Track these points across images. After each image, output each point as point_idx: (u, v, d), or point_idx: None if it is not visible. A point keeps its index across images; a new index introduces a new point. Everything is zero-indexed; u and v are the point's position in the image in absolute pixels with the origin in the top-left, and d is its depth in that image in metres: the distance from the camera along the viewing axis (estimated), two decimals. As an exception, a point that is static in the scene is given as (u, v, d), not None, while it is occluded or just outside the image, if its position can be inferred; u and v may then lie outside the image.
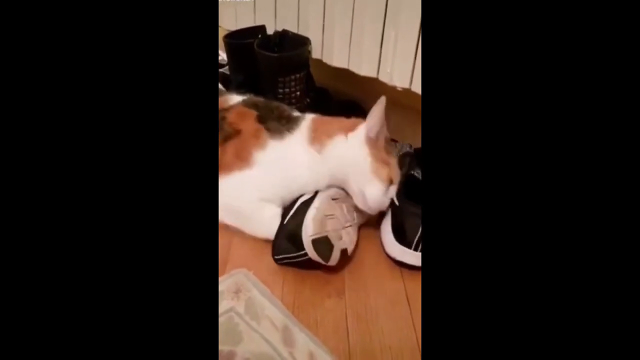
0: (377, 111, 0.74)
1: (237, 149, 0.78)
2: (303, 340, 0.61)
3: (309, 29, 1.07)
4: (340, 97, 1.18)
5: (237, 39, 1.05)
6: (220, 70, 1.16)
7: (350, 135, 0.76)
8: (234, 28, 1.26)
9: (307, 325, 0.63)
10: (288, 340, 0.60)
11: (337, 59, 1.03)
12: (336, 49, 1.03)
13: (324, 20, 1.05)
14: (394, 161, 0.78)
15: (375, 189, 0.73)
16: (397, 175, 0.77)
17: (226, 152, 0.78)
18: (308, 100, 1.06)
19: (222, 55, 1.25)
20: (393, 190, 0.76)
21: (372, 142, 0.75)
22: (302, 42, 1.02)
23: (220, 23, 1.32)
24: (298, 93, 1.02)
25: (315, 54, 1.07)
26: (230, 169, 0.77)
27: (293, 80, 0.99)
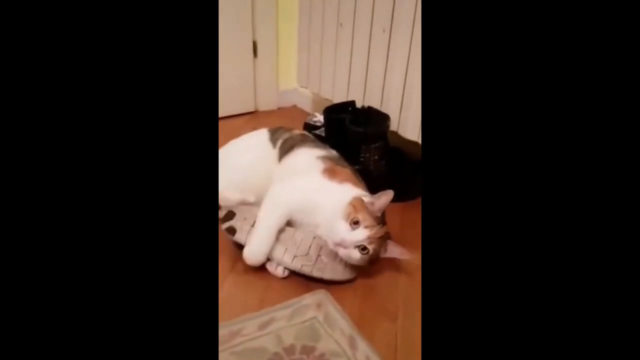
0: (384, 201, 0.95)
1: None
2: (363, 347, 0.86)
3: (389, 107, 1.36)
4: (412, 157, 1.42)
5: (334, 113, 1.36)
6: (316, 132, 1.47)
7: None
8: (330, 96, 1.59)
9: (366, 338, 0.88)
10: (353, 345, 0.86)
11: (410, 133, 1.30)
12: (410, 124, 1.29)
13: (402, 99, 1.33)
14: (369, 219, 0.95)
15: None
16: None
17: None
18: (384, 162, 1.33)
19: (319, 117, 1.57)
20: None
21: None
22: (383, 118, 1.31)
23: (320, 92, 1.65)
24: (376, 157, 1.29)
25: (393, 126, 1.34)
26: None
27: (373, 148, 1.27)
